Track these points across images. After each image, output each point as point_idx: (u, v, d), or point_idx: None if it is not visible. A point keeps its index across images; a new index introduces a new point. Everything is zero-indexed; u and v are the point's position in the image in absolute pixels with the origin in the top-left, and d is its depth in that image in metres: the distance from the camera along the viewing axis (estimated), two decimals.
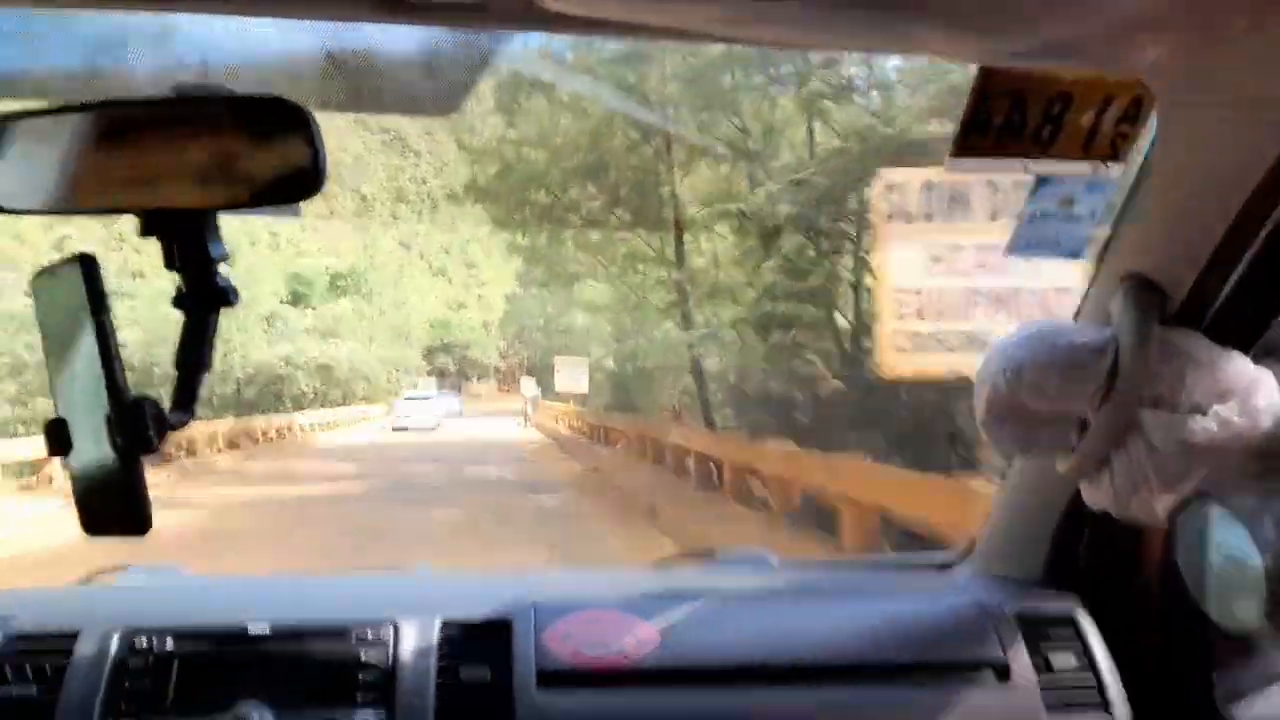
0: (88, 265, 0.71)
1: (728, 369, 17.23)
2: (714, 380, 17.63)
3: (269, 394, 29.18)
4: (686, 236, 18.27)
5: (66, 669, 1.18)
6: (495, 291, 69.02)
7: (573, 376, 26.77)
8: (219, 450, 20.65)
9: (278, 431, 26.38)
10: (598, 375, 28.42)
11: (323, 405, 32.43)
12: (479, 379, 74.42)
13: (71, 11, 0.95)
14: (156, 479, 11.32)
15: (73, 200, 0.75)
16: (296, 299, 43.60)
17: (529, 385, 39.04)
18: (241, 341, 27.86)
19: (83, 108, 0.75)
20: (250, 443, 23.39)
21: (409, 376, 49.21)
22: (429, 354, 66.31)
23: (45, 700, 1.15)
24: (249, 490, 15.44)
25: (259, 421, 25.56)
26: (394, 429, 30.36)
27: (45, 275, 0.75)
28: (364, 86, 0.96)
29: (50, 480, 13.40)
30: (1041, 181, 0.99)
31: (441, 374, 70.86)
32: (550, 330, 41.55)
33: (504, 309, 60.12)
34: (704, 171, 18.44)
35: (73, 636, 1.21)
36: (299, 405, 30.33)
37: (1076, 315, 1.26)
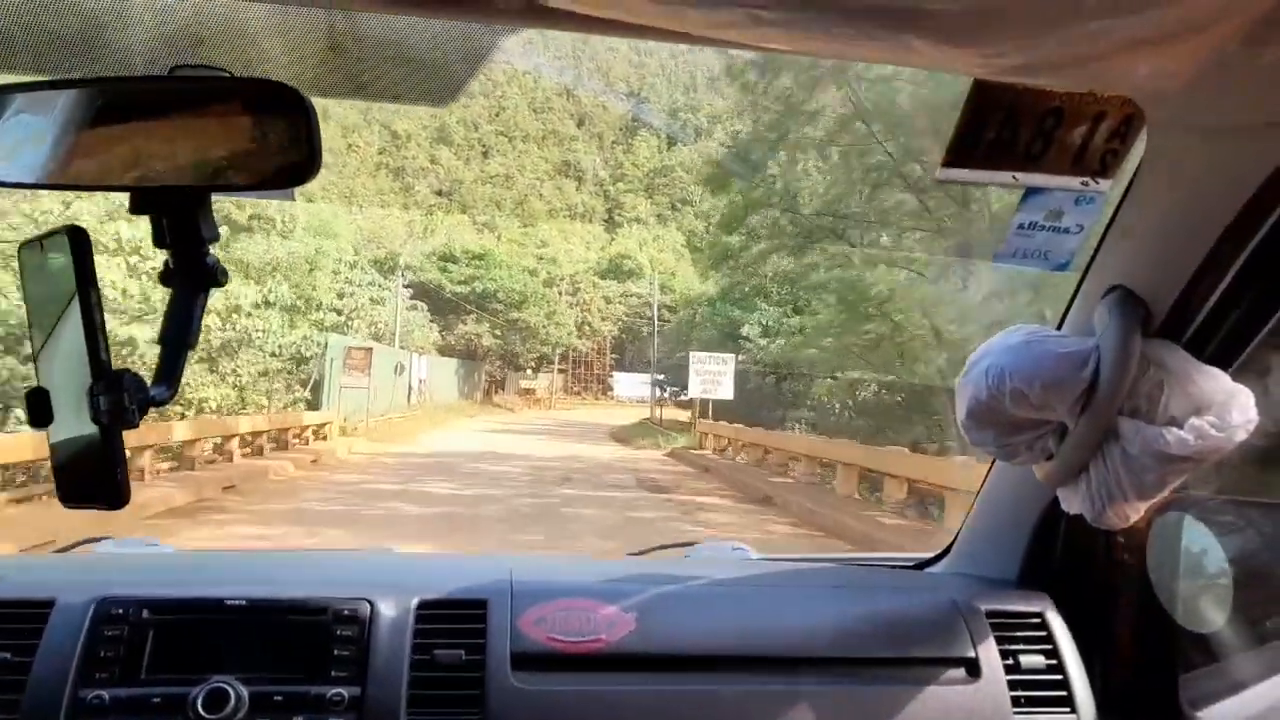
0: (77, 238, 0.70)
1: None
2: None
3: None
4: None
5: (42, 635, 1.17)
6: (562, 250, 52.39)
7: None
8: None
9: None
10: None
11: None
12: (536, 368, 45.63)
13: None
14: None
15: (65, 175, 0.75)
16: None
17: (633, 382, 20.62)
18: None
19: (79, 83, 0.75)
20: None
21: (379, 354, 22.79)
22: (440, 311, 36.63)
23: (19, 664, 1.15)
24: None
25: None
26: None
27: (33, 246, 0.74)
28: (362, 75, 0.96)
29: None
30: (1031, 193, 1.00)
31: (469, 353, 39.25)
32: None
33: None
34: None
35: (48, 604, 1.21)
36: None
37: (1059, 325, 1.28)
